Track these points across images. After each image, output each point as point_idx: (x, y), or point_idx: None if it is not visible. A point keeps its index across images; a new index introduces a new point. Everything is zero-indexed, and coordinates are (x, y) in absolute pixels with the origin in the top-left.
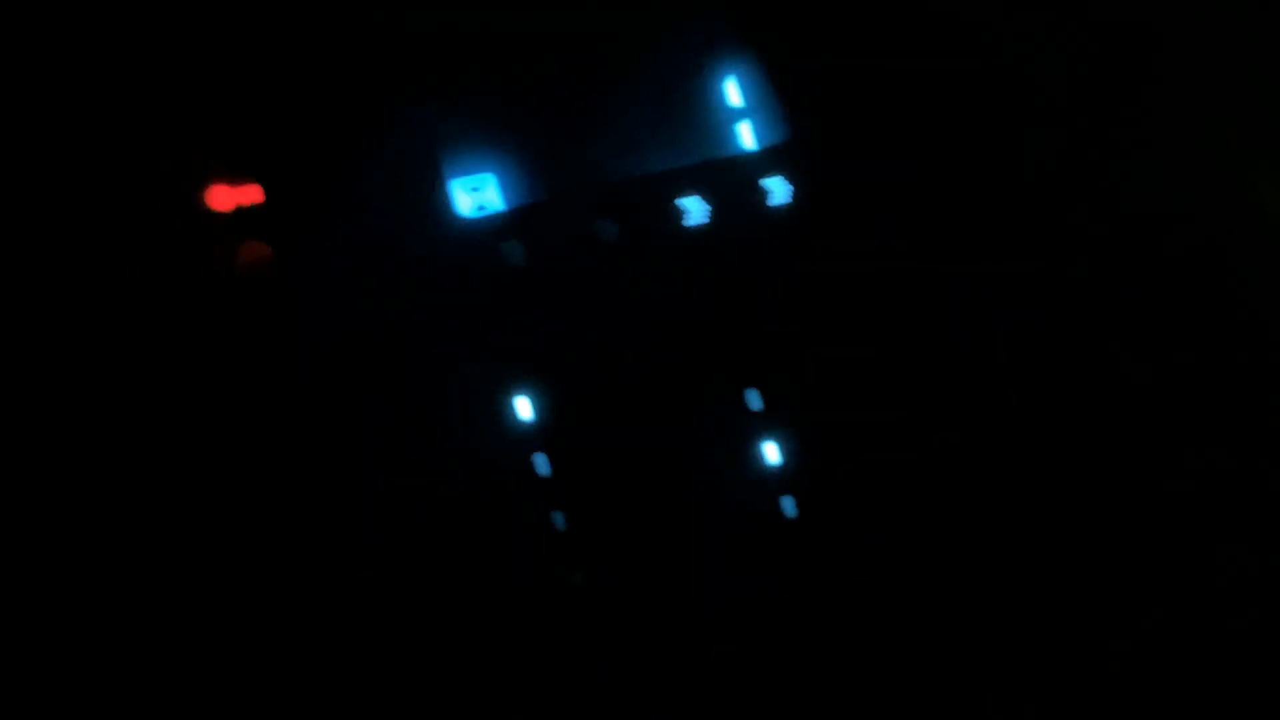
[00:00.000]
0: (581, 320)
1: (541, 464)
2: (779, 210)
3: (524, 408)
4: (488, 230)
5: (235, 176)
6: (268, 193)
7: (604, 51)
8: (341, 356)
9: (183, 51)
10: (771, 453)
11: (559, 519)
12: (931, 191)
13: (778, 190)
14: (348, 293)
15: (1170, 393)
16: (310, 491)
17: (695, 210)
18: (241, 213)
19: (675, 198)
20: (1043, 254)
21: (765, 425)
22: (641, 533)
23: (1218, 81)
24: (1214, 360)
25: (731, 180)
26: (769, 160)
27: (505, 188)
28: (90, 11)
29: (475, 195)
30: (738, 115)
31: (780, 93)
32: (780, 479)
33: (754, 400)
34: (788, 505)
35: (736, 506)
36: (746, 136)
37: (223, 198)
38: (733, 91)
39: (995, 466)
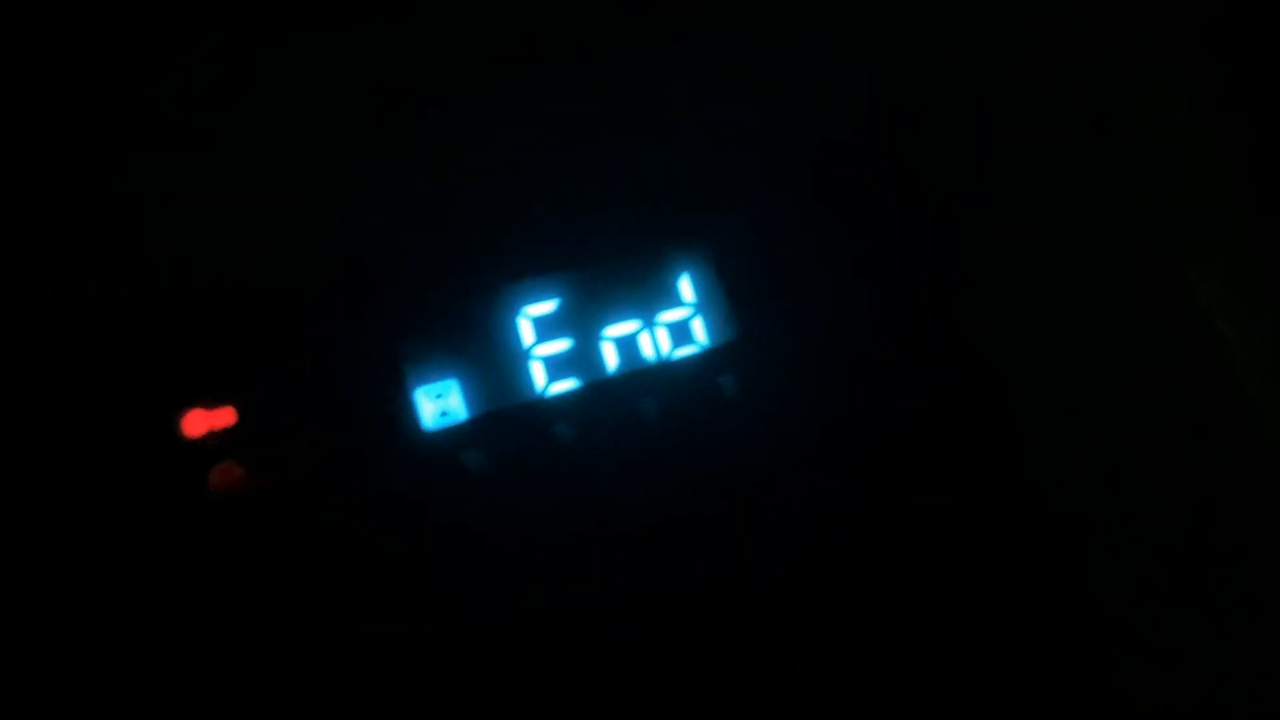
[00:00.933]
0: (541, 516)
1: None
2: (727, 403)
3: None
4: (448, 440)
5: (209, 402)
6: (240, 416)
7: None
8: (312, 566)
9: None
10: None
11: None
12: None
13: (726, 386)
14: (318, 506)
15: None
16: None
17: (648, 410)
18: (215, 436)
19: (632, 397)
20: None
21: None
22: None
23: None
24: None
25: (683, 378)
26: (719, 358)
27: (467, 393)
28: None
29: (438, 402)
30: (691, 312)
31: (728, 293)
32: None
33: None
34: None
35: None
36: (699, 332)
37: (197, 423)
38: (686, 289)
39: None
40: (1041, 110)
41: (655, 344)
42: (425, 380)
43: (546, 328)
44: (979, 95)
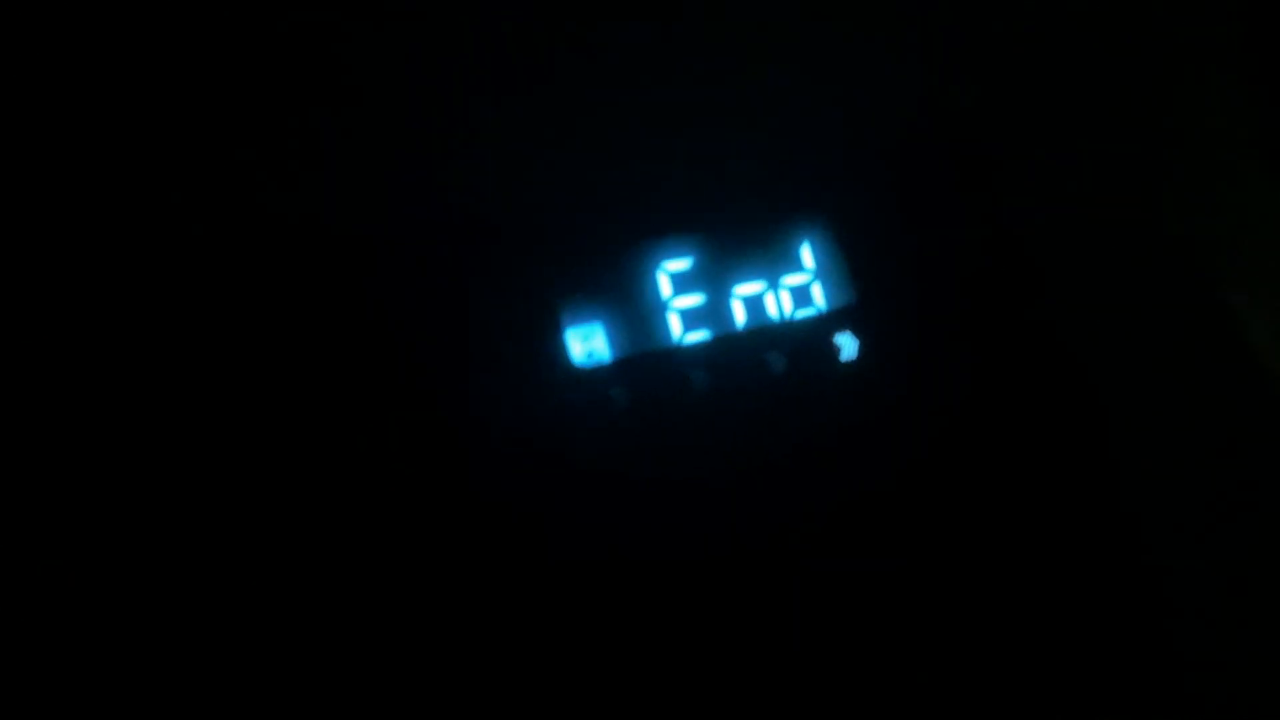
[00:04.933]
0: (676, 458)
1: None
2: (848, 365)
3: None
4: (599, 377)
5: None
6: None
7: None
8: (459, 499)
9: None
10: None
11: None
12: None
13: (847, 346)
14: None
15: None
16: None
17: (775, 364)
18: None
19: (760, 352)
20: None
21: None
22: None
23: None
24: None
25: (806, 338)
26: (838, 320)
27: (611, 336)
28: None
29: (586, 344)
30: (811, 277)
31: (847, 258)
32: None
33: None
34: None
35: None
36: (818, 296)
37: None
38: (807, 256)
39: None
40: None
41: (779, 304)
42: (575, 323)
43: (682, 282)
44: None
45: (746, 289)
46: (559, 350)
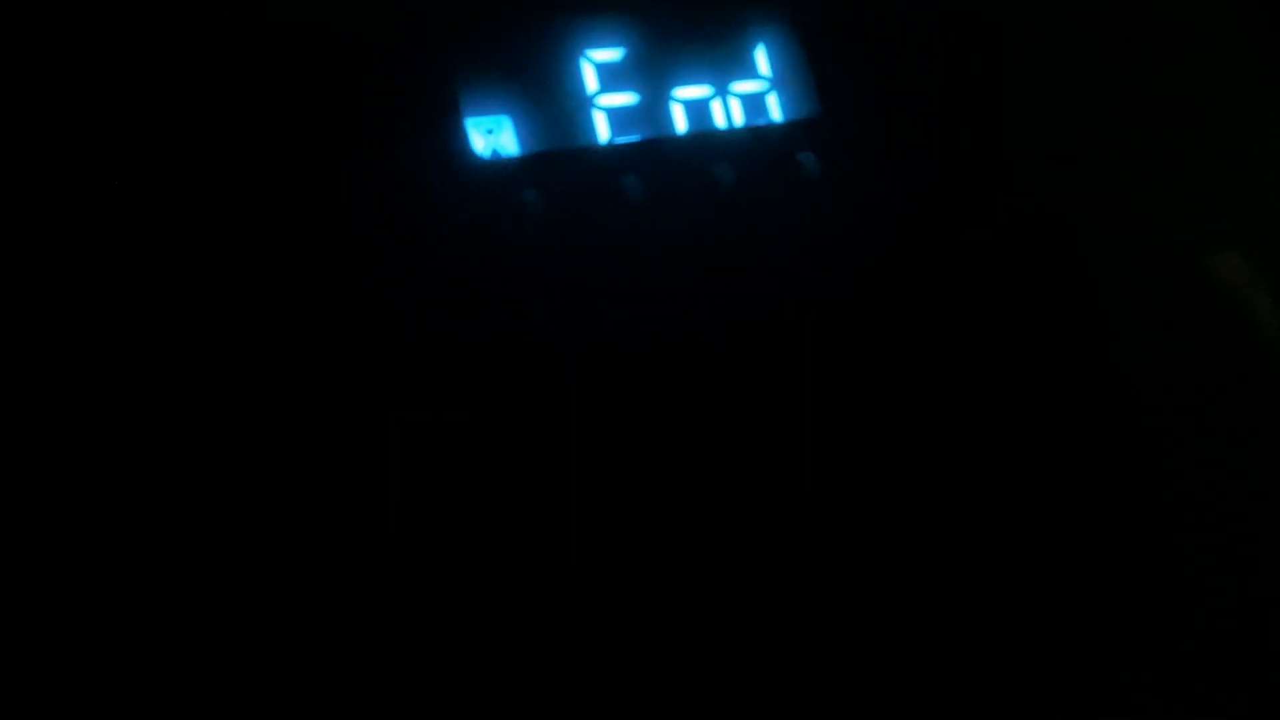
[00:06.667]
0: (602, 271)
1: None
2: (806, 183)
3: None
4: (507, 174)
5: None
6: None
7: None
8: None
9: None
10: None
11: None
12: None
13: (806, 164)
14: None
15: None
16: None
17: (724, 176)
18: None
19: (706, 161)
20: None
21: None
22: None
23: None
24: None
25: (762, 150)
26: (798, 134)
27: (521, 133)
28: None
29: (490, 138)
30: (766, 86)
31: (811, 67)
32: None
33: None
34: None
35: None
36: (774, 108)
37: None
38: (762, 61)
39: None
40: None
41: (728, 113)
42: (477, 112)
43: (611, 76)
44: None
45: (688, 93)
46: (458, 139)
